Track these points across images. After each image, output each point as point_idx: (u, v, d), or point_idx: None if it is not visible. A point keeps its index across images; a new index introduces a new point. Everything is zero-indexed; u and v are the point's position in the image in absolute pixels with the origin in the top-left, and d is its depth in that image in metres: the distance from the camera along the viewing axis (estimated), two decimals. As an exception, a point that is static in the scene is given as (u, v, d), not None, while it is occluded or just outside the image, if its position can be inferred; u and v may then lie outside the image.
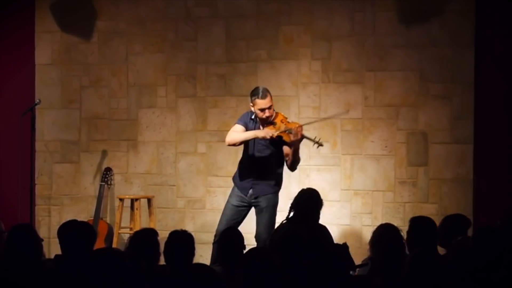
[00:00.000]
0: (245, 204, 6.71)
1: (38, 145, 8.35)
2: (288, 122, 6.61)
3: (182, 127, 8.12)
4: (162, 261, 4.80)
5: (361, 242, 7.52)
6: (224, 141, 6.78)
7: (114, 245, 7.73)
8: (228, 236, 5.41)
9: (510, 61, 7.46)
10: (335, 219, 7.64)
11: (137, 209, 7.80)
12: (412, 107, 7.63)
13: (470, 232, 5.72)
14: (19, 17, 8.46)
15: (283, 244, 4.74)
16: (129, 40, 8.24)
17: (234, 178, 6.84)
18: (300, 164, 7.75)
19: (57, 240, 4.94)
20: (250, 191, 6.68)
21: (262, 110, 6.55)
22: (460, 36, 7.53)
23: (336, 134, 7.76)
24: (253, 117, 6.68)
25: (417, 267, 4.18)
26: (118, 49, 8.26)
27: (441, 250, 5.34)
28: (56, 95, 8.38)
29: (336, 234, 7.43)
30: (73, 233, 4.69)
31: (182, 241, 4.77)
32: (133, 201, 7.84)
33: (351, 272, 4.57)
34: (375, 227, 5.22)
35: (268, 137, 6.50)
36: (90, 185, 8.31)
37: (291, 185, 7.73)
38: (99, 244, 7.74)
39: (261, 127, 6.63)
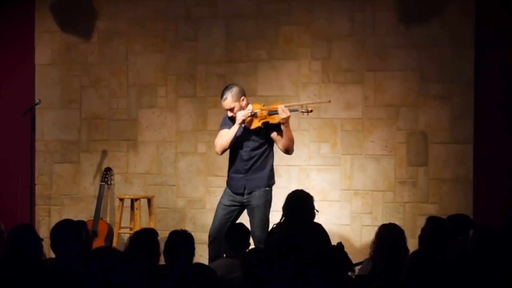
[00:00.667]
0: (237, 204, 6.65)
1: (38, 145, 8.36)
2: (268, 106, 6.60)
3: (182, 127, 8.12)
4: (162, 261, 4.80)
5: (361, 242, 7.52)
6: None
7: (114, 245, 7.73)
8: (236, 231, 5.50)
9: (510, 61, 7.46)
10: (335, 219, 7.65)
11: (137, 209, 7.80)
12: (412, 107, 7.63)
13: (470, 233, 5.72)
14: (19, 17, 8.47)
15: (280, 245, 4.73)
16: (129, 40, 8.25)
17: (227, 180, 6.82)
18: (300, 164, 7.78)
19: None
20: (245, 189, 6.61)
21: (227, 110, 6.63)
22: (460, 36, 7.53)
23: (336, 134, 7.76)
24: (230, 115, 6.67)
25: (415, 267, 4.18)
26: (118, 49, 8.26)
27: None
28: (56, 95, 8.38)
29: (336, 234, 7.43)
30: (68, 233, 4.67)
31: (182, 241, 4.77)
32: (133, 201, 7.84)
33: (349, 273, 4.57)
34: (375, 227, 5.23)
35: (245, 117, 6.48)
36: (90, 185, 8.32)
37: (291, 185, 7.73)
38: (99, 244, 7.74)
39: (243, 125, 6.60)
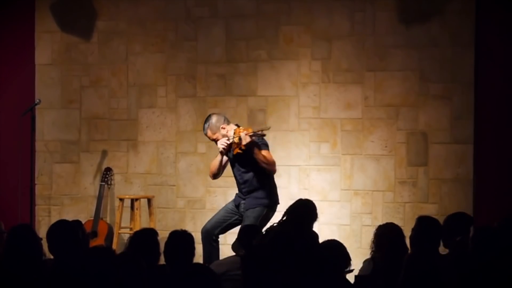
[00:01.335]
0: (237, 212, 6.72)
1: (38, 145, 8.36)
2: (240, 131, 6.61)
3: (182, 127, 8.12)
4: (162, 261, 4.80)
5: (361, 242, 7.52)
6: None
7: (114, 245, 7.73)
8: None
9: (510, 61, 7.46)
10: (335, 219, 7.65)
11: (137, 209, 7.80)
12: (412, 107, 7.63)
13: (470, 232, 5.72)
14: (19, 17, 8.47)
15: (273, 244, 4.74)
16: (129, 40, 8.24)
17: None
18: (300, 164, 7.78)
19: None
20: (242, 205, 6.68)
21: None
22: (460, 36, 7.53)
23: (336, 134, 7.76)
24: None
25: (413, 268, 4.18)
26: (118, 49, 8.26)
27: (443, 250, 5.34)
28: (56, 95, 8.38)
29: (336, 234, 7.44)
30: (64, 233, 4.67)
31: (182, 241, 4.77)
32: (133, 201, 7.84)
33: (348, 268, 4.57)
34: (375, 227, 5.23)
35: (224, 145, 6.55)
36: (90, 185, 8.32)
37: (291, 185, 7.75)
38: (99, 244, 7.75)
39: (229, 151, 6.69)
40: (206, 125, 6.73)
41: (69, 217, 7.55)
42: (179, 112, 8.13)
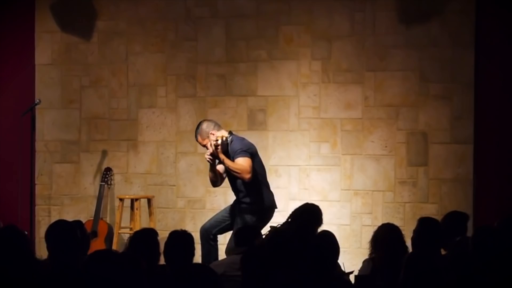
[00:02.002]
0: (234, 215, 6.73)
1: (38, 145, 8.36)
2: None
3: (182, 127, 8.12)
4: (162, 261, 4.81)
5: (361, 242, 7.52)
6: None
7: (114, 245, 7.74)
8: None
9: (510, 61, 7.46)
10: (335, 219, 7.64)
11: (137, 209, 7.80)
12: (412, 107, 7.63)
13: (470, 232, 5.72)
14: (19, 17, 8.47)
15: (271, 242, 4.74)
16: (129, 40, 8.25)
17: None
18: (300, 164, 7.78)
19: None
20: (236, 210, 6.69)
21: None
22: (460, 36, 7.53)
23: (336, 134, 7.76)
24: None
25: (413, 268, 4.18)
26: (118, 49, 8.26)
27: (443, 251, 5.34)
28: (56, 95, 8.38)
29: (336, 234, 7.38)
30: (62, 233, 4.66)
31: (182, 241, 4.77)
32: (133, 201, 7.84)
33: (342, 263, 4.58)
34: (375, 227, 5.23)
35: (208, 157, 6.54)
36: (90, 185, 8.32)
37: (291, 185, 7.75)
38: (99, 244, 7.76)
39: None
40: (197, 132, 6.74)
41: (69, 217, 7.56)
42: (179, 112, 8.13)
